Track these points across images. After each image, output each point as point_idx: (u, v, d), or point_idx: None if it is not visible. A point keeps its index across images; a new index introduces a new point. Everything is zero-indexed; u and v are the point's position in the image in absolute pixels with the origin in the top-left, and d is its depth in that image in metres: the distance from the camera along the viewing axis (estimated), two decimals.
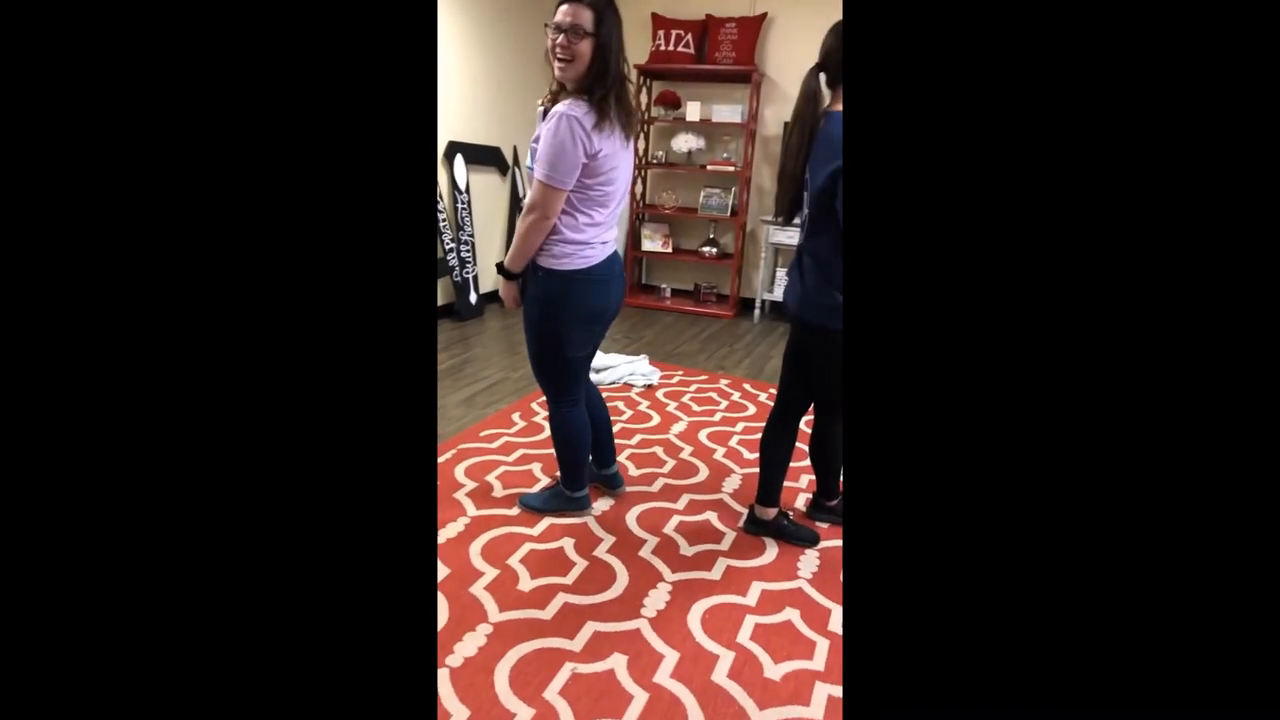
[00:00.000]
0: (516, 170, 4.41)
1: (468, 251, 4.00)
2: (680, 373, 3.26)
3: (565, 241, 1.59)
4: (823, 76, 1.54)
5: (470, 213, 4.03)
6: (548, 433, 2.49)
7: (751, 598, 1.65)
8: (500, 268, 1.67)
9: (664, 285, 4.75)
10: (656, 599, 1.62)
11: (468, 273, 4.00)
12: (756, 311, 4.48)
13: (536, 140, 1.54)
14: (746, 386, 3.11)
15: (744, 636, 1.52)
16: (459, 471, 2.17)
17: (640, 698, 1.33)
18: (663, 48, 4.34)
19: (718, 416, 2.76)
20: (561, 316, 1.65)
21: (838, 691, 1.38)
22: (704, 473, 2.28)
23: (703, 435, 2.57)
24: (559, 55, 1.50)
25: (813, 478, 2.27)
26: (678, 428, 2.62)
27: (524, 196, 4.45)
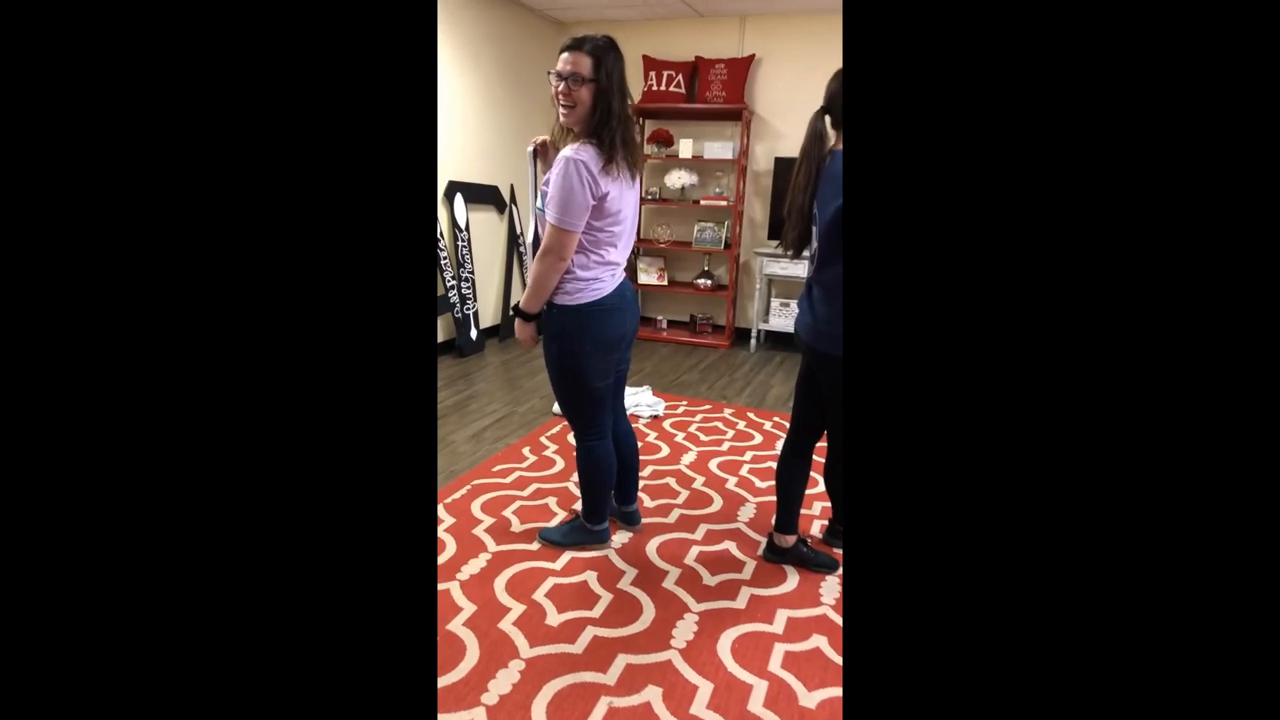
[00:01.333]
0: (514, 208, 4.48)
1: (468, 288, 4.04)
2: (684, 403, 3.29)
3: (576, 279, 1.64)
4: (828, 119, 1.61)
5: (470, 250, 4.08)
6: (559, 466, 2.50)
7: (778, 625, 1.66)
8: (516, 309, 1.71)
9: (660, 317, 4.82)
10: (685, 630, 1.63)
11: (468, 309, 4.03)
12: (753, 341, 4.54)
13: (547, 183, 1.59)
14: (751, 415, 3.15)
15: (775, 665, 1.53)
16: (475, 507, 2.17)
17: None
18: (655, 88, 4.47)
19: (725, 446, 2.79)
20: (579, 349, 1.68)
21: None
22: (718, 503, 2.30)
23: (713, 465, 2.59)
24: (562, 102, 1.56)
25: (827, 504, 2.30)
26: (688, 458, 2.65)
27: (521, 234, 4.52)
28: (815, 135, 1.59)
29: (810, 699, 1.43)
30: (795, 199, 1.66)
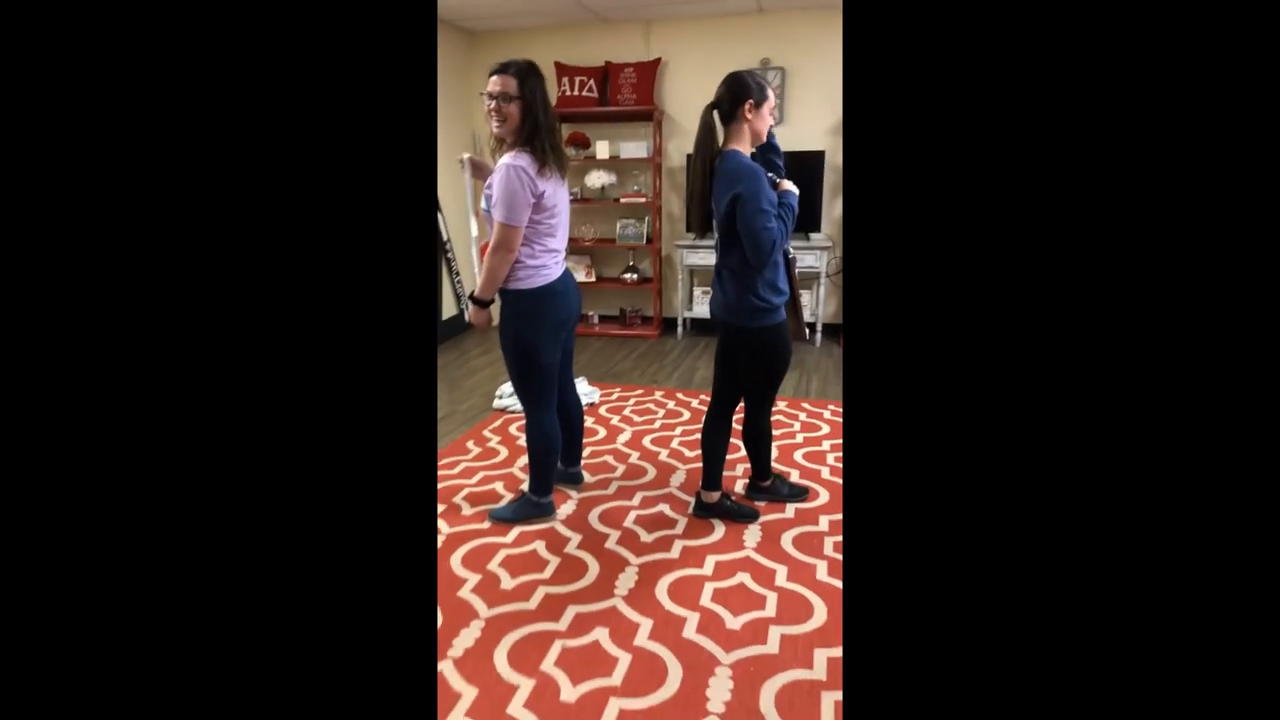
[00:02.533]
0: (440, 217, 4.57)
1: None
2: (618, 389, 3.50)
3: (526, 267, 1.87)
4: (715, 113, 1.85)
5: None
6: (503, 455, 2.66)
7: (708, 569, 1.89)
8: (472, 297, 1.92)
9: (592, 313, 5.00)
10: (626, 580, 1.84)
11: None
12: (680, 329, 4.79)
13: (489, 188, 1.81)
14: (679, 395, 3.39)
15: (705, 600, 1.75)
16: None
17: (624, 659, 1.53)
18: (568, 93, 4.64)
19: (657, 424, 3.01)
20: (533, 327, 1.92)
21: (789, 631, 1.63)
22: (652, 473, 2.51)
23: (646, 441, 2.81)
24: (494, 118, 1.81)
25: (747, 465, 2.55)
26: (623, 437, 2.85)
27: (447, 240, 4.62)
28: (706, 129, 1.85)
29: (736, 623, 1.66)
30: (694, 186, 1.90)
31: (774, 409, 3.14)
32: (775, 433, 2.88)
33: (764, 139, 1.88)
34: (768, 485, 2.27)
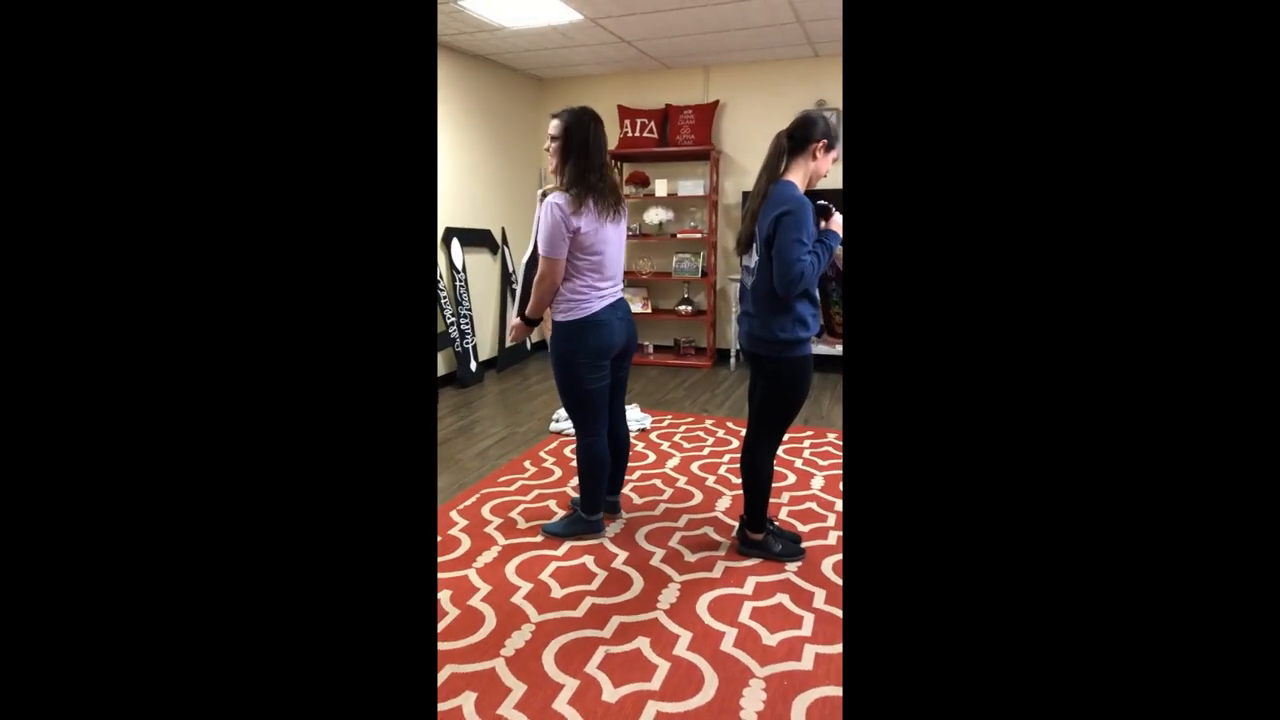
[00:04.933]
0: (506, 249, 4.85)
1: (466, 324, 4.38)
2: (669, 417, 3.61)
3: (568, 300, 2.05)
4: (788, 140, 1.94)
5: (468, 289, 4.43)
6: (558, 475, 2.81)
7: (748, 588, 1.96)
8: (520, 313, 2.15)
9: (647, 343, 5.16)
10: (669, 595, 1.93)
11: (467, 343, 4.36)
12: (732, 360, 4.88)
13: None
14: (729, 424, 3.47)
15: (744, 616, 1.82)
16: (485, 511, 2.47)
17: (663, 667, 1.62)
18: (630, 134, 4.89)
19: (706, 451, 3.10)
20: (573, 357, 2.08)
21: (824, 650, 1.68)
22: (699, 497, 2.60)
23: (694, 467, 2.90)
24: (550, 156, 2.05)
25: (795, 493, 2.60)
26: (672, 463, 2.95)
27: (513, 271, 4.88)
28: (777, 150, 1.95)
29: (772, 639, 1.72)
30: (752, 203, 1.99)
31: (820, 441, 3.19)
32: (822, 462, 2.92)
33: (816, 184, 1.96)
34: (760, 539, 2.13)
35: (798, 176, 1.93)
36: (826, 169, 1.94)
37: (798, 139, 1.92)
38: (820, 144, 1.90)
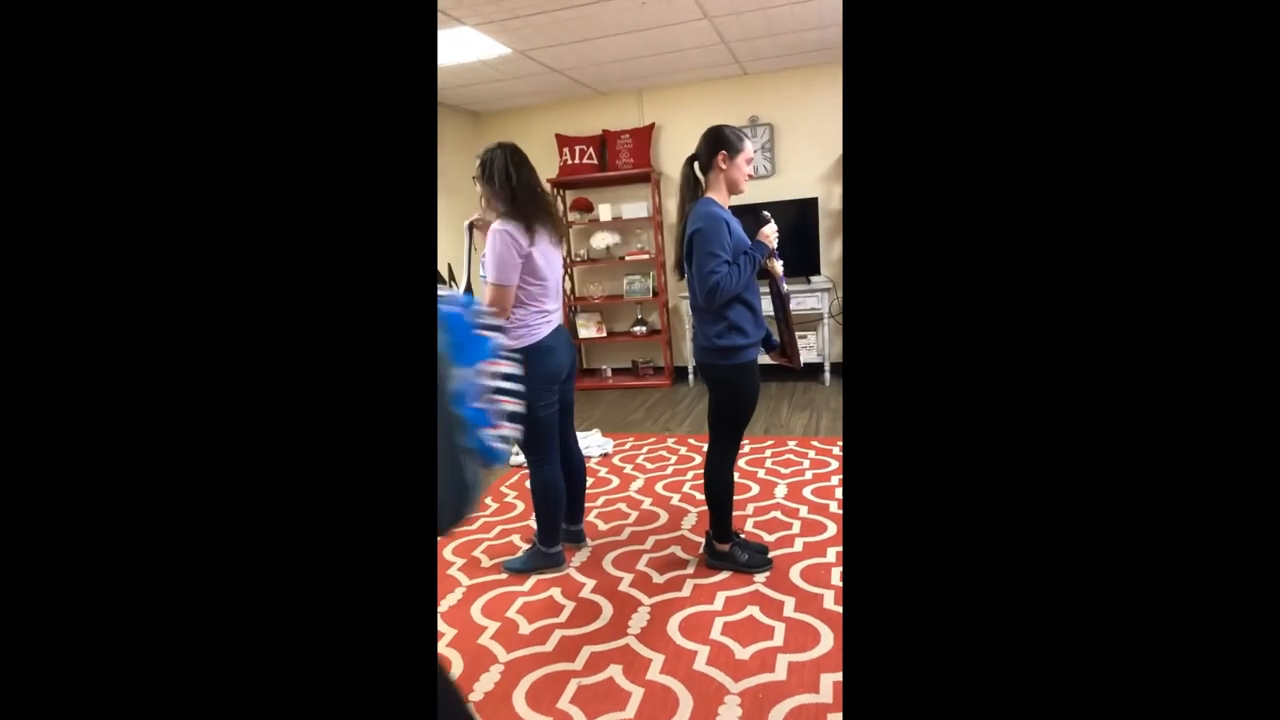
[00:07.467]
0: (453, 285, 4.80)
1: None
2: (631, 439, 3.59)
3: (520, 325, 2.03)
4: (696, 165, 2.01)
5: None
6: (519, 509, 2.76)
7: (718, 604, 1.95)
8: None
9: (604, 366, 5.14)
10: (639, 619, 1.90)
11: None
12: (691, 377, 4.90)
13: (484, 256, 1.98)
14: (691, 441, 3.47)
15: (715, 633, 1.80)
16: (447, 552, 2.40)
17: (637, 694, 1.59)
18: (569, 161, 4.92)
19: (669, 470, 3.09)
20: (525, 384, 2.02)
21: (796, 658, 1.67)
22: (665, 517, 2.58)
23: (659, 487, 2.89)
24: (479, 193, 2.08)
25: (759, 503, 2.61)
26: (636, 485, 2.93)
27: None
28: (686, 180, 2.03)
29: (745, 653, 1.71)
30: (677, 231, 2.05)
31: (781, 449, 3.21)
32: (784, 470, 2.94)
33: (741, 189, 2.01)
34: (726, 549, 2.13)
35: (717, 192, 1.99)
36: (741, 175, 1.97)
37: (702, 159, 2.00)
38: (720, 155, 1.95)
